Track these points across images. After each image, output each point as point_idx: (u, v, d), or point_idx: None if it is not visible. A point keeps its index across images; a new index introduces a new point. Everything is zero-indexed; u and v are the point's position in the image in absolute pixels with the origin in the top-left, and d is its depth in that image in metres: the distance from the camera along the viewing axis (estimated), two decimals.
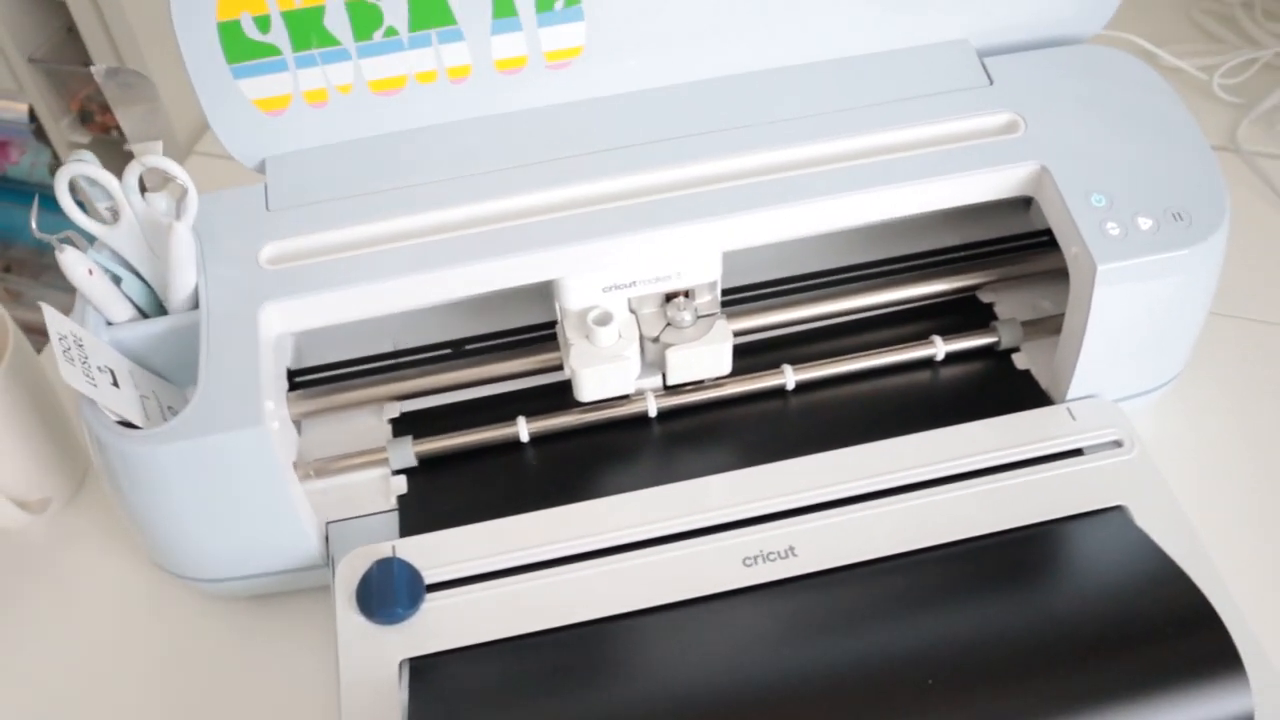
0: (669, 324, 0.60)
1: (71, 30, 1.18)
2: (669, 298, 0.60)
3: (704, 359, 0.60)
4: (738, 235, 0.58)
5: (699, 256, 0.58)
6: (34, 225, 0.53)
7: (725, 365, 0.61)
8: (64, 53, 1.20)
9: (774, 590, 0.54)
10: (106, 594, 0.64)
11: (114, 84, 0.54)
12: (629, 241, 0.57)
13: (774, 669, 0.51)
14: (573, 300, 0.59)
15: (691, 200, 0.57)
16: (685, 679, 0.52)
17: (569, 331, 0.59)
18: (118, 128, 1.19)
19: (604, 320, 0.58)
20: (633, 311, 0.60)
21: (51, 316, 0.52)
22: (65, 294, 1.43)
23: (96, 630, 0.62)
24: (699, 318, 0.60)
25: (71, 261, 0.54)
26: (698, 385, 0.62)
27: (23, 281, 1.45)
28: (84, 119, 1.25)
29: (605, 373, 0.59)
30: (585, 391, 0.60)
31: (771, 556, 0.55)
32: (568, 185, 0.58)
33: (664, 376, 0.62)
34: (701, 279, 0.59)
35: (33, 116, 1.23)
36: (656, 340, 0.60)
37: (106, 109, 1.23)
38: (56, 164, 1.29)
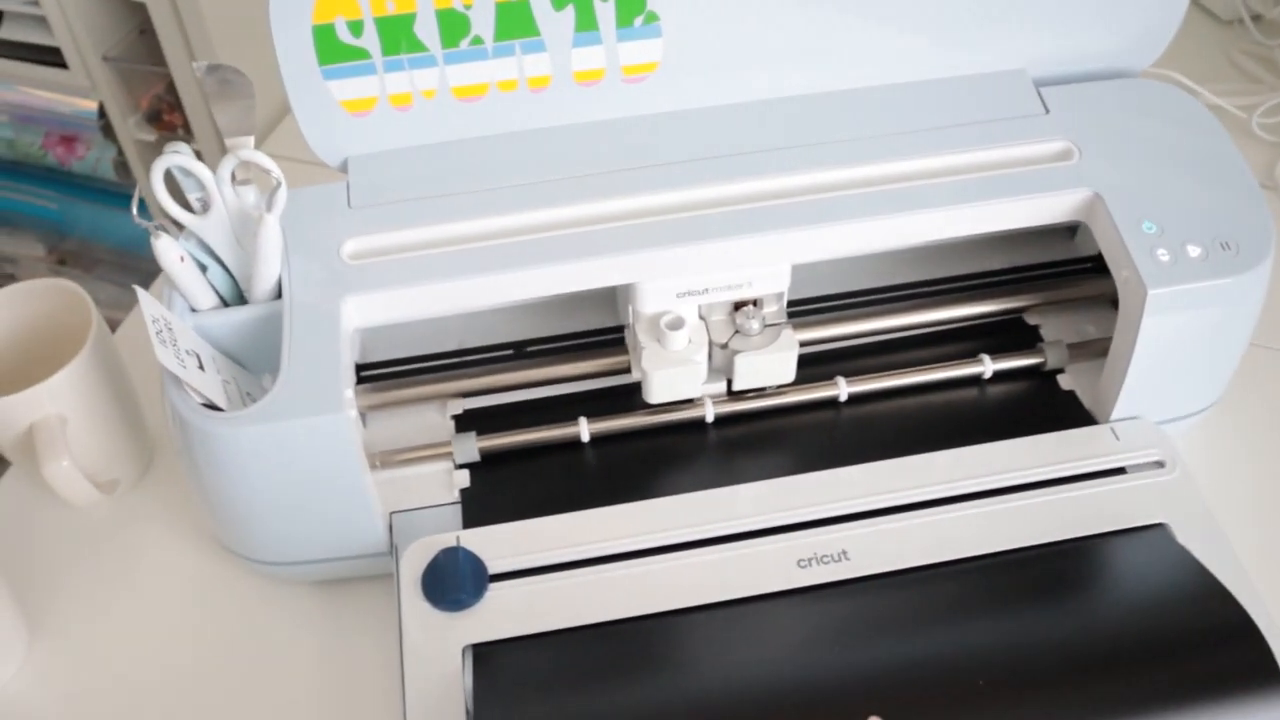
0: (737, 331, 0.62)
1: (145, 31, 1.20)
2: (738, 306, 0.62)
3: (771, 366, 0.62)
4: (807, 248, 0.60)
5: (770, 267, 0.60)
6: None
7: (790, 373, 0.63)
8: (136, 52, 1.23)
9: (826, 592, 0.56)
10: (169, 575, 0.65)
11: (214, 80, 0.56)
12: (705, 250, 0.59)
13: (826, 667, 0.53)
14: (647, 304, 0.61)
15: (764, 213, 0.60)
16: (738, 675, 0.53)
17: (641, 335, 0.61)
18: (184, 126, 1.21)
19: (676, 325, 0.61)
20: (702, 318, 0.62)
21: (146, 300, 0.54)
22: (117, 287, 1.46)
23: (158, 609, 0.64)
24: (766, 326, 0.62)
25: (165, 248, 0.56)
26: (755, 393, 0.64)
27: (75, 274, 1.48)
28: (151, 118, 1.27)
29: (675, 376, 0.61)
30: (655, 393, 0.62)
31: (825, 559, 0.57)
32: (641, 194, 0.61)
33: (729, 382, 0.64)
34: (770, 289, 0.61)
35: (101, 113, 1.26)
36: (725, 346, 0.62)
37: (174, 108, 1.25)
38: (121, 161, 1.31)
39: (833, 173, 0.61)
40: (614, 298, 0.68)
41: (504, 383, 0.65)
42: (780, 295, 0.62)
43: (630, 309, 0.62)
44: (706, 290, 0.60)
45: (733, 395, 0.64)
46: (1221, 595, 0.54)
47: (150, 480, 0.70)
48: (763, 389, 0.64)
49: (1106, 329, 0.63)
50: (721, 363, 0.63)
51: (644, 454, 0.63)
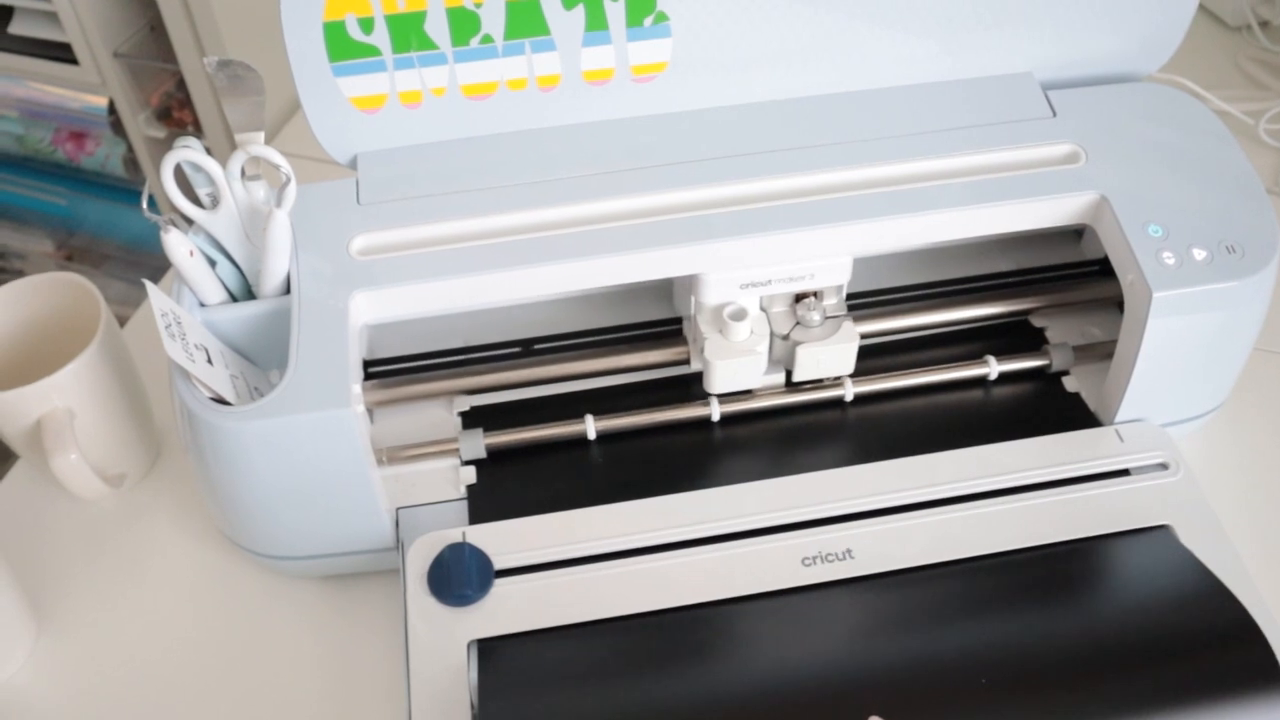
0: (798, 323, 0.63)
1: (155, 28, 1.21)
2: (798, 298, 0.63)
3: (832, 357, 0.63)
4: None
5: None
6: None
7: (850, 365, 0.64)
8: (147, 49, 1.23)
9: (830, 590, 0.56)
10: (176, 569, 0.66)
11: (225, 75, 0.56)
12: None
13: (829, 665, 0.53)
14: (710, 295, 0.61)
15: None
16: (742, 672, 0.54)
17: (703, 325, 0.62)
18: (194, 123, 1.22)
19: (739, 315, 0.61)
20: (763, 310, 0.63)
21: (155, 294, 0.54)
22: (125, 283, 1.46)
23: (165, 603, 0.64)
24: (827, 318, 0.63)
25: (175, 242, 0.56)
26: (756, 394, 0.65)
27: (83, 269, 1.48)
28: (161, 115, 1.28)
29: (737, 366, 0.62)
30: (717, 383, 0.63)
31: (829, 558, 0.57)
32: (654, 193, 0.61)
33: (788, 373, 0.65)
34: (831, 281, 0.62)
35: (111, 109, 1.26)
36: (786, 338, 0.62)
37: (184, 105, 1.25)
38: (130, 157, 1.32)
39: (838, 174, 0.62)
40: (608, 298, 0.69)
41: (510, 380, 0.66)
42: (840, 288, 0.63)
43: (692, 300, 0.62)
44: (770, 282, 0.61)
45: (731, 396, 0.65)
46: (1224, 596, 0.54)
47: (157, 474, 0.70)
48: (819, 380, 0.65)
49: (1112, 332, 0.63)
50: (781, 354, 0.64)
51: (649, 452, 0.64)
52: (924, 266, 0.71)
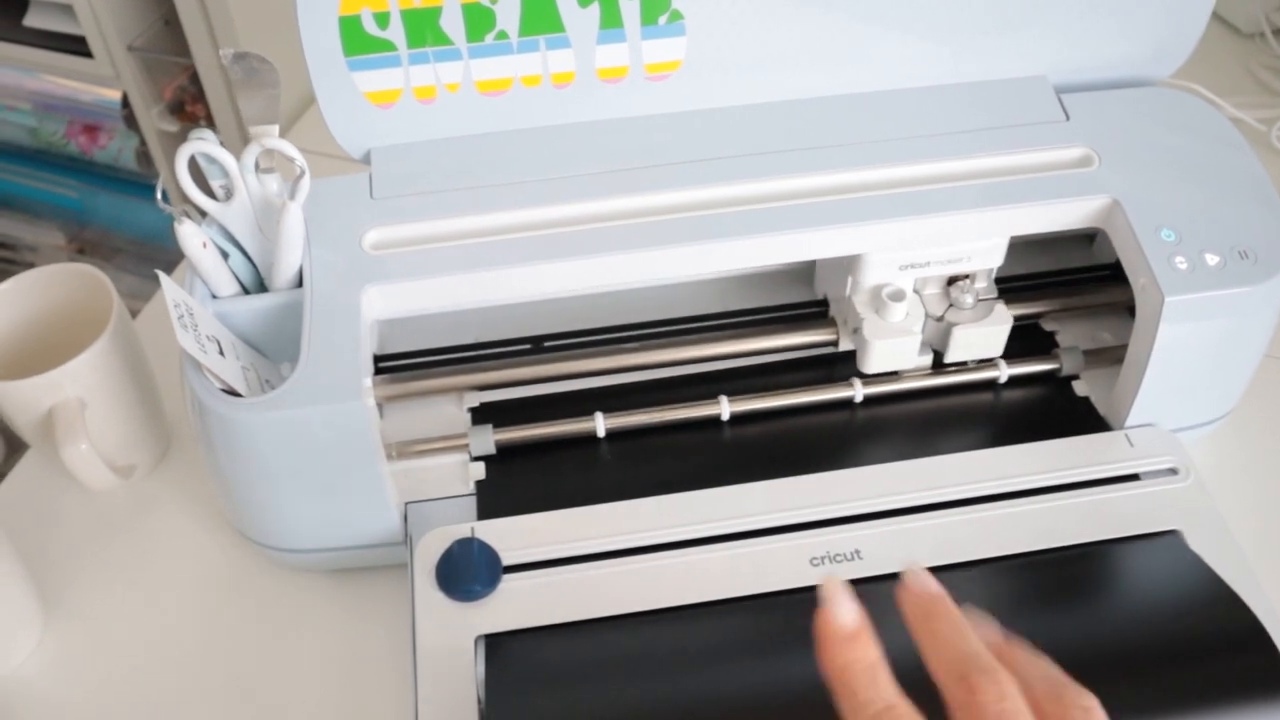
0: (951, 305, 0.64)
1: (169, 22, 1.21)
2: (951, 281, 0.64)
3: (985, 339, 0.64)
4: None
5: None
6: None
7: (1000, 347, 0.65)
8: (161, 43, 1.23)
9: None
10: (185, 560, 0.66)
11: (240, 68, 0.56)
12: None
13: None
14: (869, 276, 0.62)
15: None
16: (749, 671, 0.54)
17: (859, 306, 0.63)
18: (207, 117, 1.22)
19: (898, 296, 0.63)
20: (916, 291, 0.64)
21: (168, 285, 0.54)
22: (136, 277, 1.46)
23: (173, 594, 0.64)
24: (979, 301, 0.64)
25: (188, 234, 0.56)
26: (766, 394, 0.65)
27: (95, 262, 1.48)
28: (174, 109, 1.28)
29: (894, 346, 0.63)
30: (873, 363, 0.64)
31: (838, 558, 0.57)
32: (659, 191, 0.61)
33: (937, 355, 0.66)
34: (985, 264, 0.63)
35: (125, 103, 1.26)
36: (941, 319, 0.63)
37: (197, 99, 1.25)
38: (143, 151, 1.32)
39: (853, 174, 0.62)
40: (600, 301, 0.69)
41: (521, 376, 0.66)
42: (991, 271, 0.64)
43: (850, 280, 0.63)
44: (928, 264, 0.62)
45: (747, 395, 0.65)
46: (1233, 602, 0.54)
47: (167, 466, 0.70)
48: (964, 363, 0.66)
49: (1122, 336, 0.63)
50: (933, 335, 0.65)
51: (659, 450, 0.64)
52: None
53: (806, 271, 0.71)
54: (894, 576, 0.56)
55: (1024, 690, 0.37)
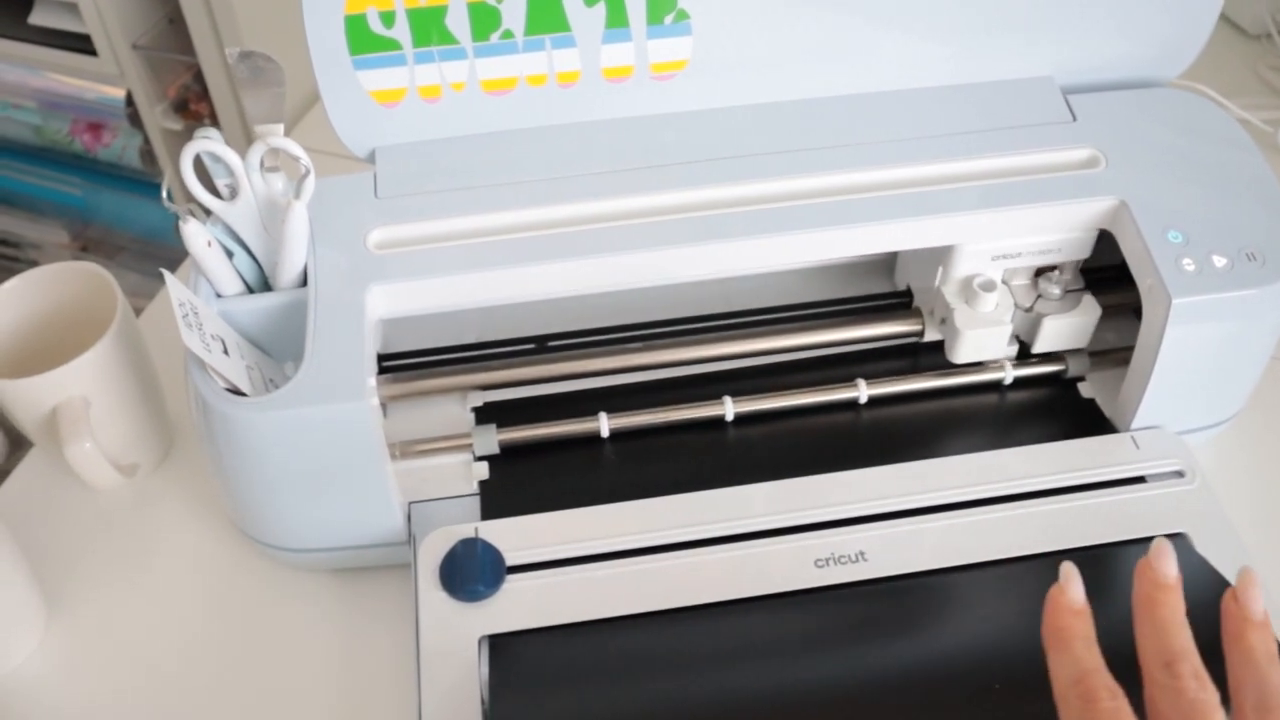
0: (1040, 296, 0.64)
1: (174, 21, 1.21)
2: (1039, 272, 0.64)
3: (1074, 330, 0.64)
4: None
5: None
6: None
7: (1086, 338, 0.65)
8: (165, 41, 1.24)
9: (843, 592, 0.56)
10: (188, 559, 0.66)
11: (245, 66, 0.56)
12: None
13: (841, 667, 0.53)
14: (962, 266, 0.63)
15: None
16: (752, 673, 0.53)
17: (949, 296, 0.63)
18: (211, 116, 1.22)
19: (989, 286, 0.63)
20: (1005, 282, 0.64)
21: (172, 284, 0.54)
22: (139, 275, 1.46)
23: (176, 593, 0.64)
24: (1068, 292, 0.64)
25: (193, 233, 0.56)
26: (770, 394, 0.65)
27: (98, 261, 1.48)
28: (178, 107, 1.28)
29: (985, 336, 0.63)
30: (963, 353, 0.64)
31: (842, 560, 0.57)
32: (665, 191, 0.61)
33: (1023, 346, 0.66)
34: (1074, 256, 0.63)
35: (129, 101, 1.27)
36: (1030, 310, 0.64)
37: (201, 98, 1.26)
38: (147, 149, 1.32)
39: (859, 175, 0.61)
40: (605, 301, 0.69)
41: (525, 376, 0.66)
42: (1078, 263, 0.64)
43: (940, 270, 0.64)
44: (1020, 254, 0.62)
45: (752, 395, 0.65)
46: None
47: (170, 465, 0.70)
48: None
49: (1128, 338, 0.63)
50: (1021, 326, 0.65)
51: (663, 450, 0.64)
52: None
53: (807, 272, 0.71)
54: (898, 579, 0.56)
55: (1234, 692, 0.41)
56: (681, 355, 0.66)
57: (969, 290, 0.63)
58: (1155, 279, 0.58)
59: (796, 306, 0.69)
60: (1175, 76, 0.67)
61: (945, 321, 0.64)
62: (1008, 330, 0.63)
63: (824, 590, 0.56)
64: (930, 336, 0.67)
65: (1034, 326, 0.64)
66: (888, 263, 0.72)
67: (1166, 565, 0.45)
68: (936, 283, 0.65)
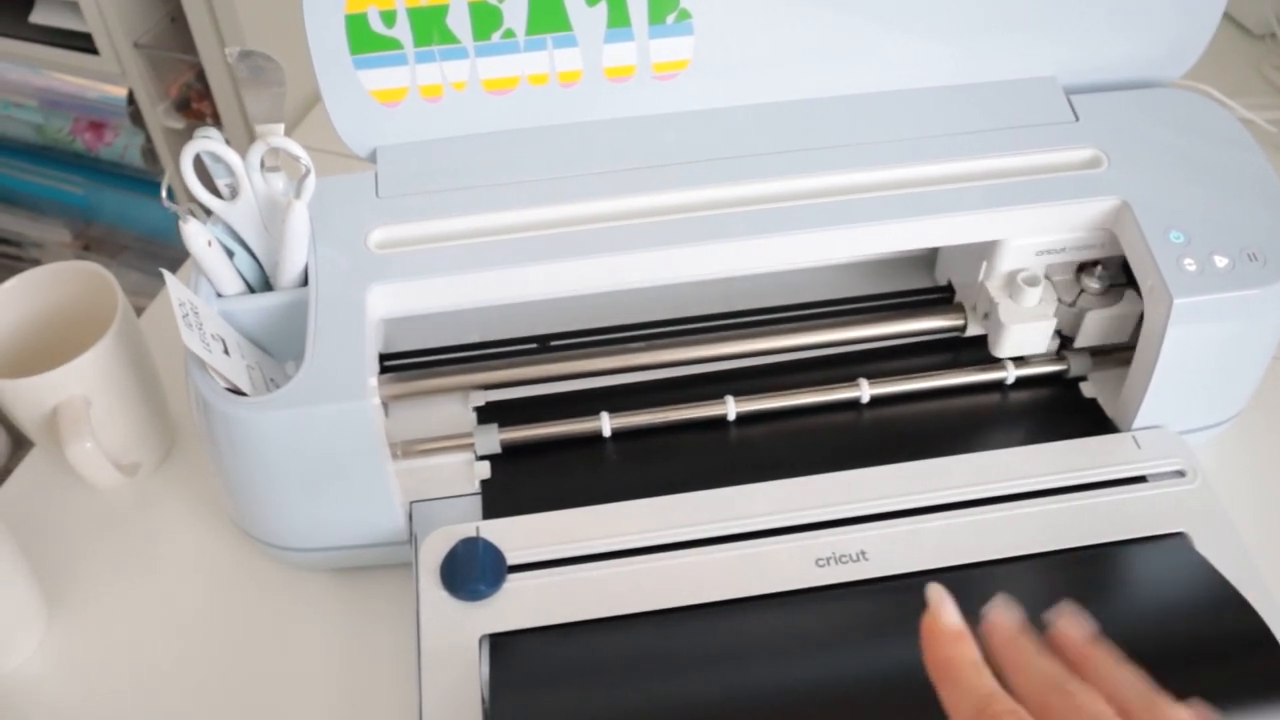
0: (1082, 290, 0.64)
1: (175, 19, 1.21)
2: (1080, 268, 0.64)
3: (1117, 323, 0.65)
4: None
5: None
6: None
7: (1128, 332, 0.65)
8: (167, 40, 1.24)
9: (844, 592, 0.56)
10: (189, 558, 0.66)
11: (246, 66, 0.56)
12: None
13: (842, 666, 0.53)
14: (1007, 261, 0.63)
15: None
16: (753, 672, 0.53)
17: (993, 291, 0.64)
18: (212, 115, 1.22)
19: (1034, 281, 0.63)
20: (1047, 277, 0.64)
21: (173, 284, 0.54)
22: (141, 274, 1.46)
23: (177, 592, 0.64)
24: (1111, 286, 0.64)
25: (193, 232, 0.56)
26: (772, 394, 0.65)
27: (100, 260, 1.48)
28: (180, 106, 1.28)
29: (1029, 330, 0.64)
30: (1006, 347, 0.65)
31: (843, 559, 0.57)
32: (666, 191, 0.61)
33: (1064, 339, 0.66)
34: (1118, 251, 0.63)
35: (130, 100, 1.27)
36: (1073, 305, 0.64)
37: (203, 97, 1.26)
38: (149, 148, 1.32)
39: (861, 174, 0.61)
40: (606, 301, 0.68)
41: (527, 376, 0.66)
42: (1120, 257, 0.63)
43: (984, 265, 0.64)
44: (1064, 249, 0.62)
45: (754, 395, 0.65)
46: (1240, 605, 0.54)
47: (171, 464, 0.70)
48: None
49: (1130, 338, 0.63)
50: (1063, 320, 0.65)
51: (665, 450, 0.64)
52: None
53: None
54: (899, 578, 0.56)
55: (1114, 697, 0.39)
56: (683, 355, 0.66)
57: (1013, 285, 0.64)
58: (1157, 279, 0.58)
59: (796, 306, 0.69)
60: (1178, 76, 0.67)
61: (989, 316, 0.65)
62: (1051, 324, 0.64)
63: (825, 590, 0.56)
64: (972, 331, 0.68)
65: (1077, 321, 0.65)
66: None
67: (1006, 615, 0.42)
68: (980, 278, 0.65)
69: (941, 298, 0.70)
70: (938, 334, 0.68)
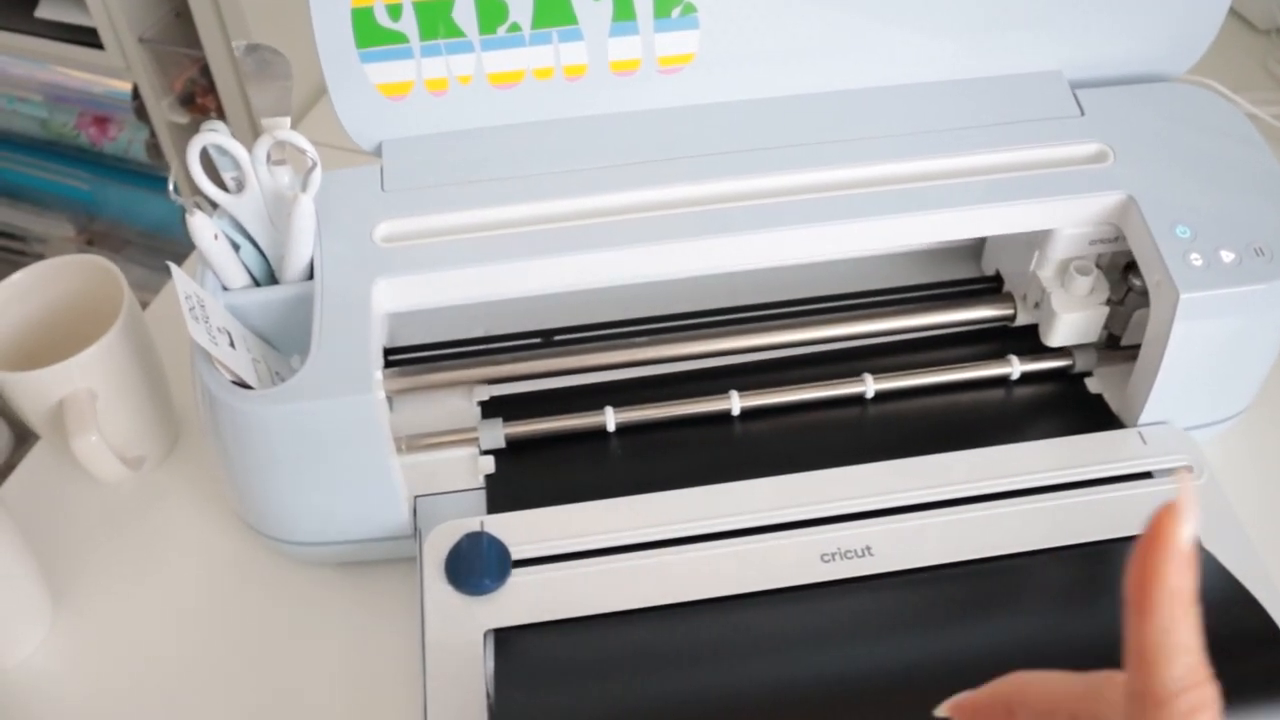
0: (1129, 290, 0.64)
1: (180, 14, 1.21)
2: (1127, 266, 0.64)
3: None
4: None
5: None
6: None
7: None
8: (172, 34, 1.24)
9: (849, 587, 0.56)
10: (193, 552, 0.66)
11: (252, 60, 0.56)
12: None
13: (846, 662, 0.53)
14: (1059, 250, 0.63)
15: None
16: (757, 668, 0.53)
17: (1045, 280, 0.64)
18: (217, 110, 1.22)
19: (1086, 270, 0.63)
20: (1098, 267, 0.64)
21: (179, 276, 0.54)
22: (145, 269, 1.46)
23: (182, 586, 0.64)
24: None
25: (200, 226, 0.56)
26: (778, 389, 0.64)
27: (104, 254, 1.48)
28: (184, 101, 1.28)
29: (1081, 320, 0.64)
30: (1058, 335, 0.65)
31: (848, 554, 0.57)
32: (673, 185, 0.61)
33: (1110, 337, 0.66)
34: None
35: (135, 95, 1.27)
36: (1121, 303, 0.64)
37: (208, 91, 1.26)
38: (153, 142, 1.32)
39: (864, 169, 0.61)
40: (611, 295, 0.67)
41: (531, 370, 0.66)
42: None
43: (1036, 255, 0.64)
44: (1117, 239, 0.62)
45: (761, 390, 0.64)
46: (1247, 602, 0.54)
47: (176, 458, 0.70)
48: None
49: (1136, 333, 0.63)
50: (1110, 318, 0.65)
51: (669, 445, 0.63)
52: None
53: (815, 269, 0.71)
54: (905, 574, 0.56)
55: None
56: (688, 350, 0.66)
57: (1065, 273, 0.64)
58: (1163, 274, 0.58)
59: (797, 303, 0.69)
60: (1184, 71, 0.67)
61: (1039, 305, 0.65)
62: (1103, 313, 0.64)
63: (830, 585, 0.56)
64: (1021, 320, 0.68)
65: (1125, 319, 0.65)
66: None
67: (1193, 524, 0.32)
68: (1032, 267, 0.65)
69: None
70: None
